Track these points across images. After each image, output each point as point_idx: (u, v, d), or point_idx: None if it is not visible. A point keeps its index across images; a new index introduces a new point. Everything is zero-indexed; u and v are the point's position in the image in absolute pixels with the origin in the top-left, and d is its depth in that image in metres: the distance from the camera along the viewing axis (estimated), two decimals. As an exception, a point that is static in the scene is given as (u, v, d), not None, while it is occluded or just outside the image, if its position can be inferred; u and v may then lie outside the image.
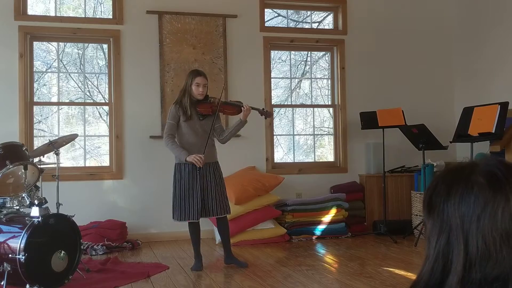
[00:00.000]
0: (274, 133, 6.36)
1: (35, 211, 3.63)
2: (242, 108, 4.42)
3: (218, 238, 5.52)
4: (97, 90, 6.03)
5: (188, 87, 4.34)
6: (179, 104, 4.34)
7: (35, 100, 5.71)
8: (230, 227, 4.56)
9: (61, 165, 4.49)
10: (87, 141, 5.92)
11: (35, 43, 5.73)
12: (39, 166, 4.02)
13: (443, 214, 0.95)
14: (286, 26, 6.53)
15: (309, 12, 6.67)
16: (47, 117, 5.92)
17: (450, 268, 0.93)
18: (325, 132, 6.71)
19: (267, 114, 4.59)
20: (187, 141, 4.33)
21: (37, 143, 5.60)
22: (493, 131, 4.63)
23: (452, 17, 6.77)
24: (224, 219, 4.45)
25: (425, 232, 0.99)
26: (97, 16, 5.96)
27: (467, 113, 5.03)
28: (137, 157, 5.77)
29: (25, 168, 3.81)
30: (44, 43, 5.87)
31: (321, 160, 6.59)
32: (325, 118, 6.71)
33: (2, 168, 3.73)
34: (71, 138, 4.54)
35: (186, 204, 4.24)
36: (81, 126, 5.88)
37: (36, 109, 5.73)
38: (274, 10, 6.50)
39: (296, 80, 6.68)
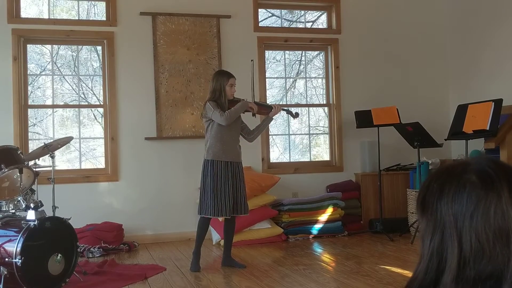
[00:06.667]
0: (270, 133, 6.36)
1: (31, 215, 3.63)
2: (273, 107, 4.60)
3: (215, 238, 5.53)
4: (92, 92, 6.01)
5: (222, 88, 4.39)
6: (216, 103, 4.35)
7: (29, 103, 5.69)
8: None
9: (56, 167, 4.49)
10: (82, 143, 5.91)
11: (28, 45, 5.71)
12: (34, 169, 4.01)
13: (436, 213, 0.96)
14: (280, 26, 6.54)
15: (303, 12, 6.68)
16: (42, 120, 5.91)
17: (444, 266, 0.93)
18: (321, 131, 6.72)
19: (295, 115, 4.77)
20: (221, 139, 4.34)
21: (32, 146, 5.59)
22: (488, 128, 4.65)
23: (446, 15, 6.79)
24: (234, 219, 4.51)
25: (419, 232, 1.00)
26: (91, 18, 5.95)
27: (462, 110, 5.05)
28: (133, 159, 5.76)
29: (20, 172, 3.80)
30: (38, 45, 5.86)
31: (316, 159, 6.60)
32: (320, 117, 6.72)
33: (-3, 172, 3.72)
34: (66, 140, 4.52)
35: (220, 200, 4.27)
36: (76, 129, 5.87)
37: (30, 112, 5.72)
38: (268, 10, 6.51)
39: (291, 79, 6.69)
